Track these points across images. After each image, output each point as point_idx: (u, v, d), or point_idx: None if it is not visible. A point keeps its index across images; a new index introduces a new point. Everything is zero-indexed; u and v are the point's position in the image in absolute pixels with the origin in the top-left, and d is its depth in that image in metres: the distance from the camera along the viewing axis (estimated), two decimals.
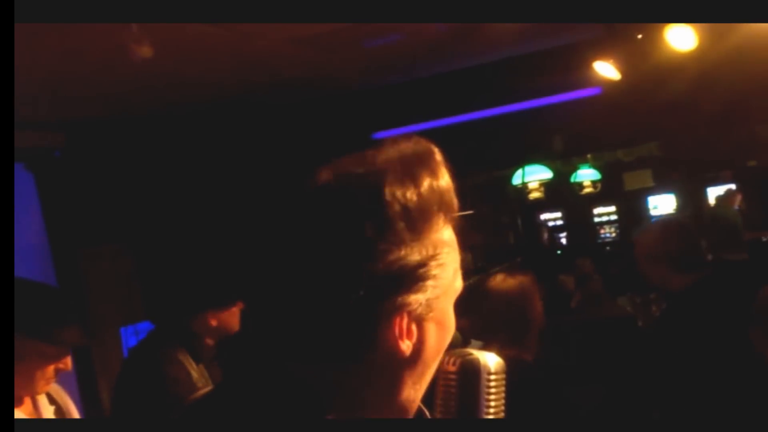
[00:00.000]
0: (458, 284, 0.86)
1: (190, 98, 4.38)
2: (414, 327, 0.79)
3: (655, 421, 2.80)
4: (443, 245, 0.81)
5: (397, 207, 0.76)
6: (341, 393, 0.79)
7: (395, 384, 0.81)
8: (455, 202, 0.83)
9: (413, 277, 0.77)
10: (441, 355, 0.86)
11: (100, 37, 2.93)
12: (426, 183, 0.79)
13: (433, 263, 0.79)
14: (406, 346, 0.79)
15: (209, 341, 2.44)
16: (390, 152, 0.82)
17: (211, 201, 4.81)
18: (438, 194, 0.80)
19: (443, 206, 0.81)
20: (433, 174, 0.81)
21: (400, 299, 0.77)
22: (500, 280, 2.63)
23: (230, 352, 2.42)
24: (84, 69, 3.44)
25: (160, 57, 2.78)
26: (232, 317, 2.40)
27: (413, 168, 0.80)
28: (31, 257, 4.34)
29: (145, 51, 2.65)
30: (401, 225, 0.76)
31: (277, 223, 0.82)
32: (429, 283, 0.79)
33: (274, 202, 0.83)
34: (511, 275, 2.67)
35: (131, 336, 4.91)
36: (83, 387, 4.46)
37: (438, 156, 0.83)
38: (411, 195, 0.77)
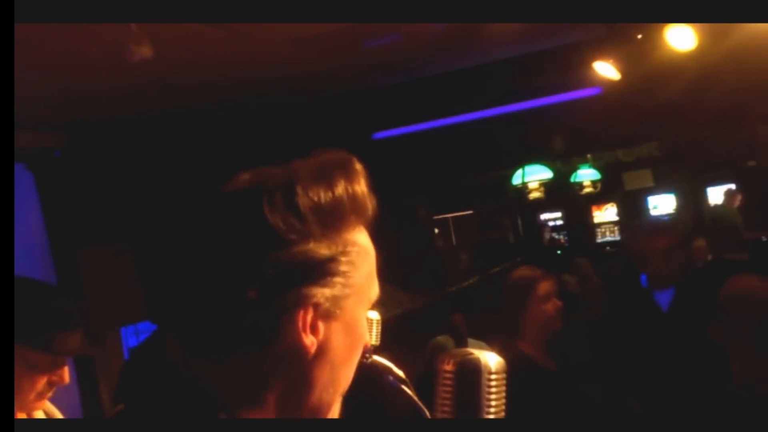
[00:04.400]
0: (373, 293, 0.87)
1: (190, 98, 4.38)
2: (320, 324, 0.80)
3: (636, 412, 2.82)
4: (354, 245, 0.82)
5: (307, 201, 0.78)
6: (240, 388, 0.79)
7: (301, 383, 0.81)
8: (370, 208, 0.85)
9: (319, 269, 0.79)
10: (353, 361, 0.86)
11: (100, 37, 2.93)
12: (340, 184, 0.81)
13: (341, 259, 0.80)
14: (310, 342, 0.79)
15: None
16: (311, 159, 0.85)
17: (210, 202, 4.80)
18: (352, 196, 0.82)
19: (357, 208, 0.83)
20: (349, 177, 0.83)
21: (304, 290, 0.77)
22: (514, 272, 2.71)
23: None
24: (84, 69, 3.44)
25: (159, 57, 2.78)
26: None
27: (329, 170, 0.82)
28: (31, 257, 4.34)
29: (145, 51, 2.65)
30: (311, 219, 0.78)
31: (194, 217, 0.85)
32: (337, 279, 0.80)
33: (197, 199, 0.86)
34: (525, 267, 2.73)
35: (131, 336, 4.91)
36: (83, 387, 4.46)
37: (357, 165, 0.85)
38: (323, 191, 0.80)
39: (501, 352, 0.96)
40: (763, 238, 6.96)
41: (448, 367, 0.91)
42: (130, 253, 4.94)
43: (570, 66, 4.29)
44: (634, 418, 2.82)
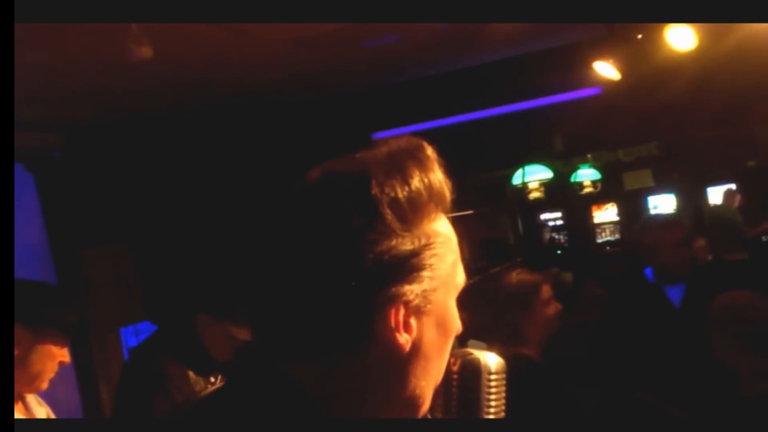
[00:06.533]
0: (460, 279, 0.85)
1: (190, 98, 4.38)
2: (412, 321, 0.78)
3: (651, 404, 2.84)
4: (437, 236, 0.80)
5: (384, 198, 0.76)
6: (337, 392, 0.77)
7: (396, 381, 0.80)
8: (447, 194, 0.83)
9: (406, 266, 0.77)
10: (446, 352, 0.85)
11: (100, 37, 2.93)
12: (415, 175, 0.79)
13: (426, 253, 0.78)
14: (405, 340, 0.78)
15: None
16: (379, 150, 0.82)
17: (211, 202, 4.80)
18: (428, 186, 0.80)
19: (434, 198, 0.81)
20: (422, 166, 0.81)
21: (393, 289, 0.76)
22: (511, 275, 2.71)
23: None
24: (83, 69, 3.44)
25: (159, 57, 2.78)
26: None
27: (401, 161, 0.80)
28: (31, 257, 4.34)
29: (145, 51, 2.65)
30: (390, 216, 0.76)
31: (267, 222, 0.82)
32: (424, 273, 0.78)
33: (265, 202, 0.83)
34: (524, 271, 2.75)
35: (131, 336, 4.91)
36: (83, 387, 4.47)
37: (428, 151, 0.83)
38: (399, 186, 0.78)
39: (501, 353, 0.95)
40: (764, 238, 6.96)
41: (452, 368, 0.91)
42: (130, 253, 4.94)
43: (570, 66, 4.29)
44: (650, 411, 2.84)
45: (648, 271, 3.18)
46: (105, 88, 3.83)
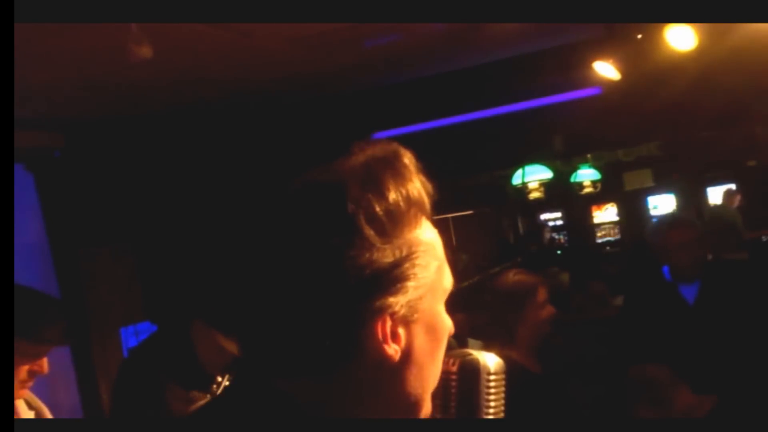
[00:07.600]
0: (447, 282, 0.85)
1: (190, 98, 4.38)
2: (401, 330, 0.78)
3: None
4: (419, 244, 0.80)
5: (361, 212, 0.76)
6: (330, 406, 0.78)
7: (390, 390, 0.80)
8: (427, 200, 0.83)
9: (389, 278, 0.77)
10: (439, 356, 0.85)
11: (100, 37, 2.93)
12: (391, 186, 0.79)
13: (408, 264, 0.78)
14: (394, 350, 0.78)
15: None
16: (355, 159, 0.82)
17: (210, 203, 4.81)
18: (405, 196, 0.79)
19: (413, 206, 0.80)
20: (399, 176, 0.80)
21: (377, 303, 0.76)
22: (508, 275, 2.70)
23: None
24: (84, 69, 3.44)
25: (159, 57, 2.78)
26: None
27: (377, 172, 0.79)
28: (31, 257, 4.34)
29: (145, 51, 2.65)
30: (368, 230, 0.75)
31: (246, 238, 0.82)
32: (408, 283, 0.78)
33: (249, 214, 0.83)
34: (521, 272, 2.73)
35: (131, 336, 4.91)
36: (83, 387, 4.47)
37: (405, 158, 0.83)
38: (375, 199, 0.77)
39: (497, 354, 0.96)
40: (763, 238, 6.97)
41: (452, 369, 0.91)
42: (130, 253, 4.94)
43: (570, 66, 4.29)
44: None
45: (665, 270, 3.22)
46: (105, 87, 3.83)
